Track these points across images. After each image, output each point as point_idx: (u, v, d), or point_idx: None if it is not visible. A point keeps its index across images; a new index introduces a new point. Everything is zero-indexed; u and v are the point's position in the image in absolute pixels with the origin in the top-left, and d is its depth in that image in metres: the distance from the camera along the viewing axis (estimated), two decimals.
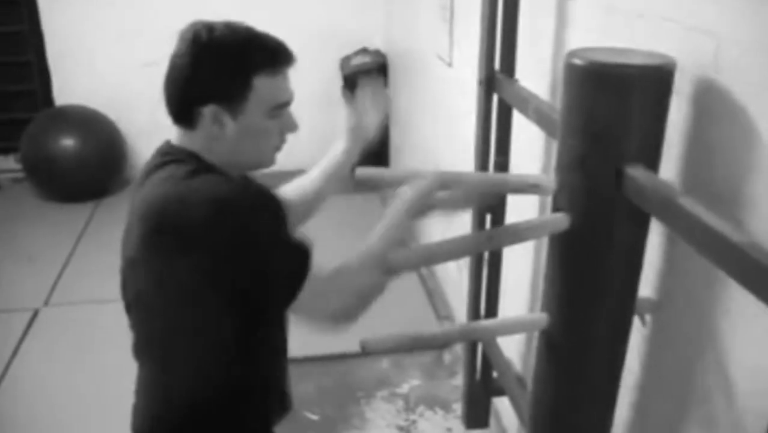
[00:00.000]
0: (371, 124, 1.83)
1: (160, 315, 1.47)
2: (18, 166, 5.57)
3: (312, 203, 1.85)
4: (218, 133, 1.43)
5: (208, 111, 1.41)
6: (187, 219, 1.36)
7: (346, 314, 1.45)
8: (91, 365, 3.49)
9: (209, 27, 1.45)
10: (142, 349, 1.59)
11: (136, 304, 1.54)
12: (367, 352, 1.51)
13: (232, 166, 1.48)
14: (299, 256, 1.39)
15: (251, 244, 1.35)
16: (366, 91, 1.84)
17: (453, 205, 1.61)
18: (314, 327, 1.44)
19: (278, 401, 1.67)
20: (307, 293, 1.37)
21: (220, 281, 1.37)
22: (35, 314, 3.93)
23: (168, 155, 1.50)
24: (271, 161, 1.53)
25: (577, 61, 1.30)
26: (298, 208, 1.76)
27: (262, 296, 1.41)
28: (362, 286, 1.45)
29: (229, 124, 1.42)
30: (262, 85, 1.41)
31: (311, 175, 1.85)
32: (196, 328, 1.44)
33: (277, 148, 1.52)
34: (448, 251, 1.48)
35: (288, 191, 1.78)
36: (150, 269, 1.44)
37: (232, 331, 1.44)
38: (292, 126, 1.51)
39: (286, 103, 1.48)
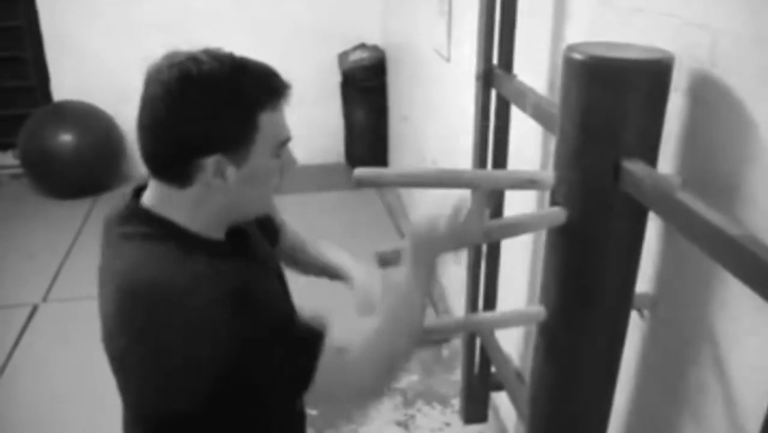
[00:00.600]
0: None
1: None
2: (16, 162, 5.57)
3: (308, 268, 1.73)
4: (218, 187, 1.21)
5: (210, 163, 1.18)
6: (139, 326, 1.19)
7: (377, 389, 1.37)
8: (89, 360, 3.48)
9: (194, 59, 1.18)
10: None
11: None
12: None
13: (222, 220, 1.29)
14: (305, 348, 1.21)
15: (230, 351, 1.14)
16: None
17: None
18: (340, 406, 1.34)
19: None
20: (327, 378, 1.20)
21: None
22: (34, 309, 3.94)
23: (139, 225, 1.26)
24: (270, 206, 1.43)
25: (576, 56, 1.30)
26: (300, 258, 1.69)
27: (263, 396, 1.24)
28: (394, 356, 1.29)
29: (232, 175, 1.20)
30: (267, 122, 1.21)
31: (334, 255, 1.70)
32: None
33: (278, 189, 1.31)
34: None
35: (309, 244, 1.71)
36: None
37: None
38: (292, 163, 1.31)
39: (288, 139, 1.28)
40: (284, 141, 1.26)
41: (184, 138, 1.18)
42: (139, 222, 1.26)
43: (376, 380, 1.29)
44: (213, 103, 1.17)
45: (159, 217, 1.25)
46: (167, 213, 1.25)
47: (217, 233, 1.29)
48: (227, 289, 1.16)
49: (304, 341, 1.21)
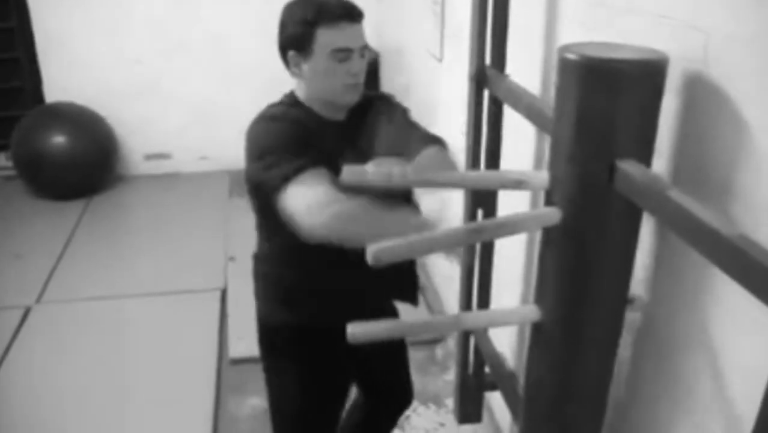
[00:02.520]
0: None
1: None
2: (8, 164, 5.56)
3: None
4: (300, 75, 1.89)
5: (290, 56, 1.87)
6: (247, 132, 1.86)
7: (316, 226, 1.62)
8: (82, 362, 3.49)
9: None
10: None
11: None
12: (357, 342, 1.49)
13: (314, 100, 1.92)
14: (286, 167, 1.69)
15: (256, 146, 1.81)
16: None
17: None
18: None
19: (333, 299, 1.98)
20: (288, 198, 1.67)
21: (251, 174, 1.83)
22: (27, 311, 3.93)
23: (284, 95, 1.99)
24: (342, 96, 1.89)
25: (570, 56, 1.30)
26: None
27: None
28: (344, 217, 1.60)
29: (304, 67, 1.86)
30: (323, 34, 1.81)
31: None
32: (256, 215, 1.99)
33: (347, 86, 1.86)
34: (436, 243, 1.46)
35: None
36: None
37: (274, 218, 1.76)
38: (356, 68, 1.85)
39: (346, 49, 1.82)
40: (340, 49, 1.82)
41: (279, 40, 1.90)
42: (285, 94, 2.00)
43: (319, 219, 1.62)
44: (288, 19, 1.87)
45: (292, 93, 1.98)
46: (296, 92, 1.97)
47: (322, 108, 1.93)
48: (273, 117, 1.87)
49: (295, 162, 1.70)
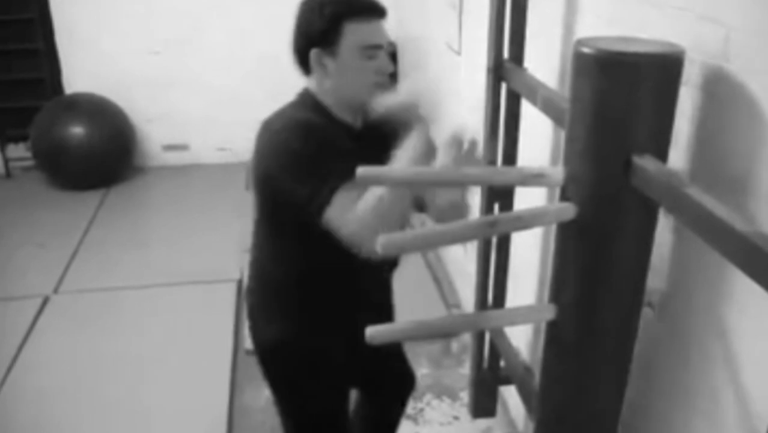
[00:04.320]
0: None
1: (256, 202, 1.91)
2: (28, 154, 5.60)
3: None
4: (324, 73, 1.79)
5: (312, 54, 1.77)
6: (259, 136, 1.80)
7: (364, 233, 1.58)
8: (99, 351, 3.51)
9: None
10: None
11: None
12: (374, 343, 1.49)
13: (339, 101, 1.83)
14: (312, 187, 1.66)
15: (278, 156, 1.74)
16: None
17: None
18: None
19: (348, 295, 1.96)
20: (334, 213, 1.63)
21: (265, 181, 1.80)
22: (45, 301, 3.96)
23: (297, 94, 1.90)
24: (368, 94, 1.79)
25: (586, 50, 1.29)
26: None
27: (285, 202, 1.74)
28: (377, 219, 1.58)
29: (330, 64, 1.77)
30: (350, 30, 1.74)
31: None
32: (263, 213, 1.91)
33: (375, 85, 1.79)
34: (451, 235, 1.46)
35: None
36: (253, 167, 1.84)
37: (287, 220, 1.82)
38: (385, 66, 1.80)
39: (375, 46, 1.77)
40: (369, 45, 1.76)
41: (297, 40, 1.81)
42: (299, 93, 1.90)
43: (363, 228, 1.58)
44: (313, 14, 1.76)
45: (307, 91, 1.87)
46: (312, 90, 1.86)
47: (342, 111, 1.84)
48: (301, 126, 1.76)
49: (325, 180, 1.65)
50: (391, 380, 2.39)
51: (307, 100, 1.86)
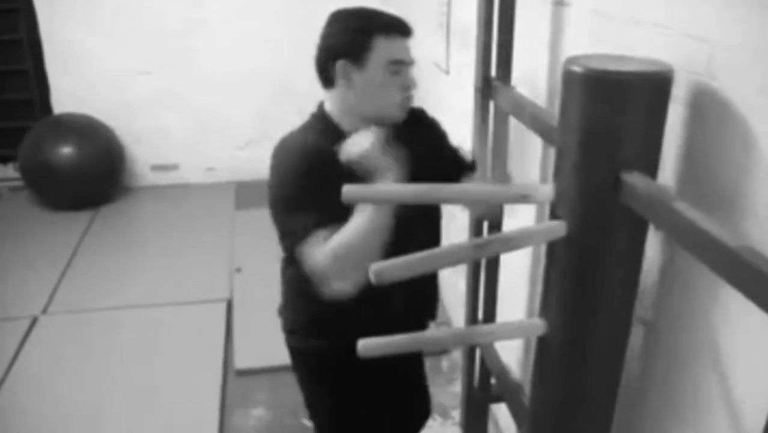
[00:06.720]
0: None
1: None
2: (17, 174, 5.58)
3: None
4: (347, 86, 1.80)
5: (339, 66, 1.78)
6: (271, 156, 1.82)
7: (330, 272, 1.65)
8: (88, 372, 3.49)
9: (343, 7, 1.85)
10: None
11: None
12: (364, 356, 1.50)
13: (359, 116, 1.83)
14: (299, 220, 1.69)
15: (277, 183, 1.78)
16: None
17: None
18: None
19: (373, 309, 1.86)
20: (308, 250, 1.68)
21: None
22: (34, 321, 3.94)
23: (311, 114, 1.93)
24: (393, 112, 1.84)
25: (576, 68, 1.30)
26: None
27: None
28: (347, 255, 1.63)
29: (356, 77, 1.79)
30: (378, 44, 1.77)
31: None
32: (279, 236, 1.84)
33: (400, 102, 1.83)
34: (440, 259, 1.46)
35: None
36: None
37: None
38: (411, 82, 1.84)
39: (402, 61, 1.81)
40: (396, 60, 1.79)
41: (323, 51, 1.83)
42: (314, 111, 1.94)
43: (330, 267, 1.65)
44: (341, 26, 1.81)
45: (322, 108, 1.90)
46: (328, 107, 1.89)
47: (357, 129, 1.75)
48: (304, 153, 1.77)
49: (312, 217, 1.68)
50: (413, 403, 2.40)
51: (320, 120, 1.87)
